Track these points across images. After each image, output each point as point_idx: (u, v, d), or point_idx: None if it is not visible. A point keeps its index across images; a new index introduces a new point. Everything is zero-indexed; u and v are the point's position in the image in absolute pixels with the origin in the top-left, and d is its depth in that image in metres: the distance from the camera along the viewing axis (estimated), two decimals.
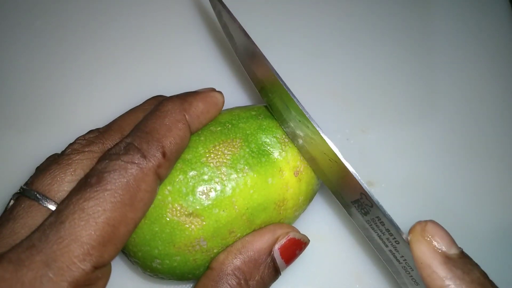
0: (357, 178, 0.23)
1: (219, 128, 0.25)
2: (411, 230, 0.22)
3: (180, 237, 0.23)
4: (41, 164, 0.24)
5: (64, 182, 0.22)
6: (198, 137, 0.25)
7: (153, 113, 0.23)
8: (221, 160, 0.24)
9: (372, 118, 0.36)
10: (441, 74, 0.38)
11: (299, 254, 0.25)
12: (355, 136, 0.35)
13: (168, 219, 0.23)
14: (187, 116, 0.23)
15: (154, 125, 0.22)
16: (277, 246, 0.24)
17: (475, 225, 0.33)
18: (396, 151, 0.35)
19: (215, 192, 0.23)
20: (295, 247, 0.25)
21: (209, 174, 0.23)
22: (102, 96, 0.35)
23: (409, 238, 0.22)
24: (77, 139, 0.24)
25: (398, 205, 0.33)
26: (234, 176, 0.24)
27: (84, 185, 0.20)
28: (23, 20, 0.37)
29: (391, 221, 0.22)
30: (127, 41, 0.37)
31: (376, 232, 0.24)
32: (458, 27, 0.40)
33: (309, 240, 0.26)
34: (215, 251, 0.24)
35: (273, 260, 0.24)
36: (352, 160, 0.34)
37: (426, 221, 0.22)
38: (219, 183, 0.23)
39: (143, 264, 0.24)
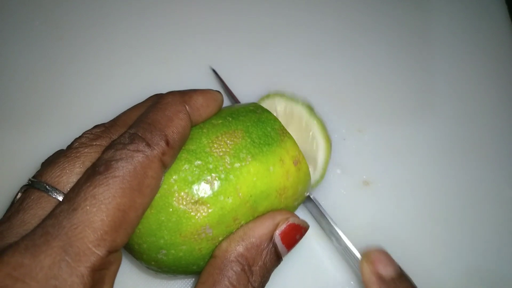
0: (323, 211, 0.30)
1: (220, 121, 0.26)
2: (362, 257, 0.28)
3: (187, 225, 0.23)
4: (47, 159, 0.24)
5: (73, 174, 0.22)
6: (201, 129, 0.25)
7: (154, 106, 0.24)
8: (224, 149, 0.25)
9: (368, 118, 0.37)
10: (438, 74, 0.39)
11: (300, 239, 0.26)
12: (351, 136, 0.36)
13: (174, 207, 0.23)
14: (187, 107, 0.24)
15: (156, 116, 0.23)
16: (277, 232, 0.24)
17: (472, 224, 0.34)
18: (392, 151, 0.36)
19: (220, 180, 0.24)
20: (295, 232, 0.25)
21: (213, 163, 0.24)
22: (102, 95, 0.36)
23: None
24: (84, 133, 0.24)
25: (394, 204, 0.34)
26: (237, 164, 0.24)
27: (93, 173, 0.21)
28: (23, 20, 0.38)
29: (352, 252, 0.29)
30: (127, 40, 0.38)
31: (349, 260, 0.30)
32: (455, 28, 0.40)
33: (308, 226, 0.26)
34: (220, 239, 0.24)
35: (275, 246, 0.24)
36: (348, 159, 0.35)
37: (371, 249, 0.28)
38: (223, 172, 0.24)
39: (148, 257, 0.25)
